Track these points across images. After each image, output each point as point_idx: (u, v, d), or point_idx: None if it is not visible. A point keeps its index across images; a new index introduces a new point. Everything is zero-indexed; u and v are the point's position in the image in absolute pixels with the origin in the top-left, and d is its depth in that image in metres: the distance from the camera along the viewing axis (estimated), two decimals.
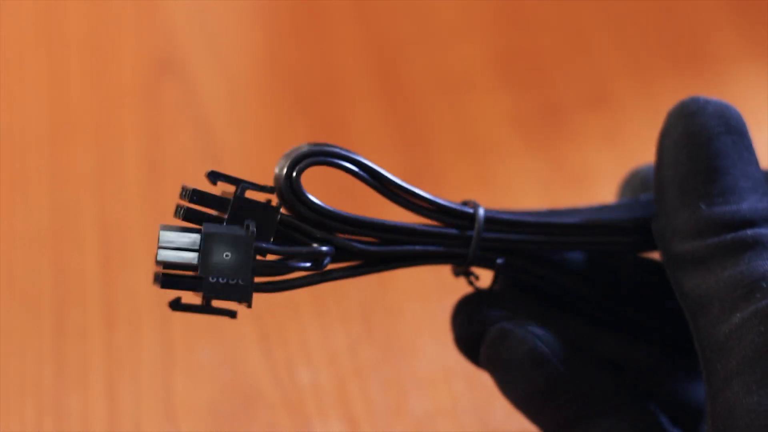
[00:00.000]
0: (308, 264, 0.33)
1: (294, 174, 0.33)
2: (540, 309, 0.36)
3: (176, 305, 0.34)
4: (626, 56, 0.54)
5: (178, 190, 0.50)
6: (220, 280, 0.33)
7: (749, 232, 0.32)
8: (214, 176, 0.33)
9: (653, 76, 0.53)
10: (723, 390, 0.31)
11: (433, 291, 0.46)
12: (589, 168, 0.50)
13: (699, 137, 0.34)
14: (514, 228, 0.34)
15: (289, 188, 0.33)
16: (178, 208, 0.33)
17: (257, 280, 0.33)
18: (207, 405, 0.43)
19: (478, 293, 0.36)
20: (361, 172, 0.34)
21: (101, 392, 0.44)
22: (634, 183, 0.39)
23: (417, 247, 0.34)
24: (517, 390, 0.34)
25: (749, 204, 0.33)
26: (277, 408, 0.43)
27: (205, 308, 0.34)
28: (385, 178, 0.34)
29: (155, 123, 0.52)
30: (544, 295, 0.36)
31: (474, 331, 0.35)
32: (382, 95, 0.53)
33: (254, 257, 0.32)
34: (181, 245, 0.33)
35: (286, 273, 0.33)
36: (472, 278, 0.35)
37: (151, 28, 0.56)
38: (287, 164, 0.33)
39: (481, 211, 0.34)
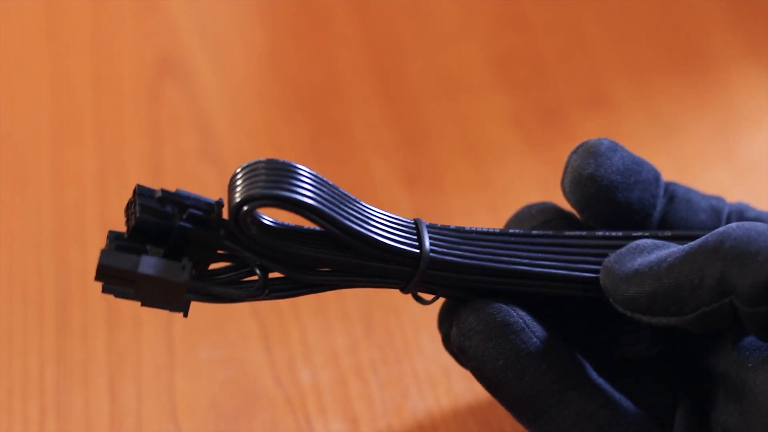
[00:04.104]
0: (239, 291, 0.34)
1: (240, 214, 0.33)
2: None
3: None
4: (625, 57, 0.54)
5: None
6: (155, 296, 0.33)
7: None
8: (163, 199, 0.33)
9: (652, 76, 0.53)
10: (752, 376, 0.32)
11: None
12: None
13: (623, 269, 0.34)
14: (459, 270, 0.35)
15: (235, 223, 0.33)
16: (129, 218, 0.33)
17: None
18: (208, 404, 0.43)
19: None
20: (316, 218, 0.33)
21: (103, 391, 0.44)
22: (524, 218, 0.39)
23: (359, 282, 0.35)
24: (490, 363, 0.34)
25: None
26: (277, 407, 0.43)
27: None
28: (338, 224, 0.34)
29: (156, 123, 0.52)
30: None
31: None
32: (383, 95, 0.53)
33: (185, 296, 0.33)
34: (120, 266, 0.33)
35: (220, 301, 0.34)
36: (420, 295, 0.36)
37: (152, 29, 0.56)
38: (237, 201, 0.33)
39: (427, 250, 0.35)
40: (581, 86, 0.53)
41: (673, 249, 0.34)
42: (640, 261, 0.34)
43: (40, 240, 0.48)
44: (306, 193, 0.33)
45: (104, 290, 0.34)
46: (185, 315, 0.34)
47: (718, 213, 0.38)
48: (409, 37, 0.55)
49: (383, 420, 0.42)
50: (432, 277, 0.35)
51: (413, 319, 0.45)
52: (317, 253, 0.34)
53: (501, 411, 0.43)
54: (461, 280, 0.35)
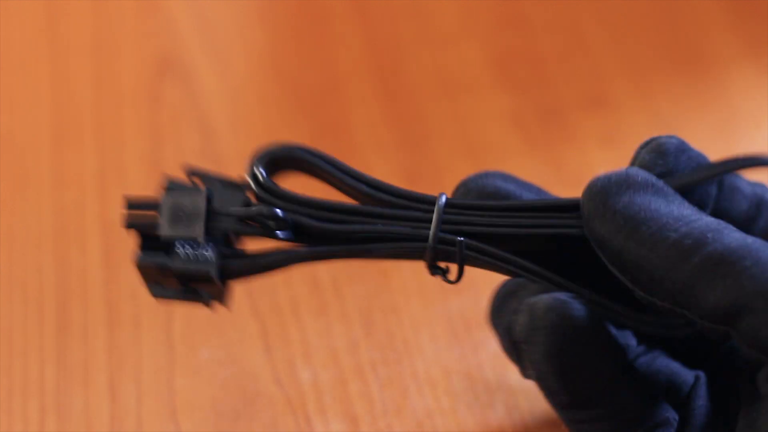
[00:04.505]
0: (261, 229, 0.35)
1: (259, 171, 0.35)
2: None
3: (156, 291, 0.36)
4: (625, 57, 0.54)
5: None
6: (188, 248, 0.34)
7: (734, 234, 0.33)
8: (190, 172, 0.36)
9: (652, 76, 0.53)
10: None
11: (433, 291, 0.46)
12: (589, 168, 0.50)
13: (620, 202, 0.34)
14: (474, 209, 0.35)
15: (255, 180, 0.35)
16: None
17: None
18: (208, 404, 0.43)
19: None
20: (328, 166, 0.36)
21: (103, 391, 0.44)
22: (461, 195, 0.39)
23: (379, 227, 0.35)
24: (557, 364, 0.34)
25: (709, 218, 0.34)
26: (277, 407, 0.43)
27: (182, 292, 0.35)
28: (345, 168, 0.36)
29: (156, 123, 0.52)
30: None
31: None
32: (383, 95, 0.53)
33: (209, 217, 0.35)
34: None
35: (242, 233, 0.35)
36: (446, 275, 0.36)
37: (152, 29, 0.56)
38: (253, 163, 0.35)
39: (443, 197, 0.35)
40: (581, 86, 0.53)
41: None
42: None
43: (40, 240, 0.48)
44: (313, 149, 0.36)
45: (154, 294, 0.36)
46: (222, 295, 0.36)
47: (759, 201, 0.37)
48: (409, 37, 0.55)
49: (383, 420, 0.43)
50: (451, 225, 0.35)
51: (413, 319, 0.45)
52: (334, 202, 0.35)
53: (501, 411, 0.43)
54: (479, 222, 0.35)
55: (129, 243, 0.48)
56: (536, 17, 0.55)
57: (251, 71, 0.55)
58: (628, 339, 0.38)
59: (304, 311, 0.46)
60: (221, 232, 0.35)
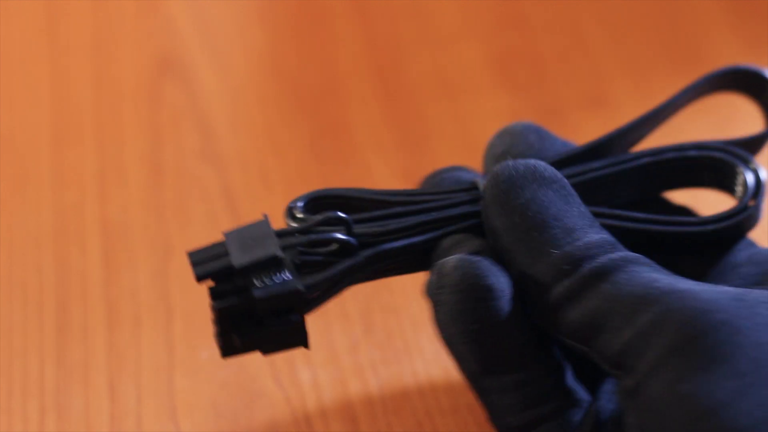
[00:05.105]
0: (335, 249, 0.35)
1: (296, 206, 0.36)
2: None
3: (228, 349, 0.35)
4: (625, 57, 0.54)
5: (179, 190, 0.50)
6: (265, 280, 0.34)
7: (611, 255, 0.34)
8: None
9: (652, 76, 0.53)
10: (647, 383, 0.32)
11: None
12: None
13: (522, 197, 0.35)
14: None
15: (292, 215, 0.36)
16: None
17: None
18: (208, 404, 0.43)
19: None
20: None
21: (103, 391, 0.44)
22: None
23: (433, 215, 0.36)
24: (465, 323, 0.34)
25: (596, 234, 0.35)
26: (277, 407, 0.43)
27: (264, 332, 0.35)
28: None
29: (156, 123, 0.52)
30: None
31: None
32: (383, 95, 0.53)
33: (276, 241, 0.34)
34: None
35: (318, 262, 0.35)
36: None
37: (152, 29, 0.56)
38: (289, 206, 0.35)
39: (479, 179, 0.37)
40: (581, 86, 0.53)
41: None
42: None
43: (40, 240, 0.48)
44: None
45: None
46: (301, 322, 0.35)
47: None
48: (409, 37, 0.55)
49: (383, 420, 0.43)
50: None
51: (413, 319, 0.45)
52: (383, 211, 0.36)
53: None
54: None
55: (129, 242, 0.48)
56: (536, 17, 0.55)
57: (251, 71, 0.55)
58: None
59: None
60: (292, 249, 0.34)
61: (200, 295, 0.46)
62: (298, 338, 0.35)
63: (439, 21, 0.55)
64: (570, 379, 0.35)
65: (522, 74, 0.53)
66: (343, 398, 0.43)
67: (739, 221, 0.37)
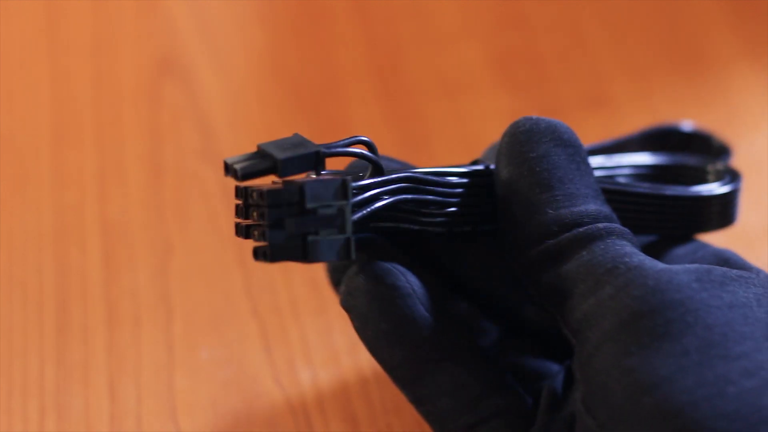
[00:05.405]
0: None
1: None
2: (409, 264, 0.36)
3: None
4: (625, 56, 0.54)
5: (179, 190, 0.50)
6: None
7: (599, 225, 0.34)
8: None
9: (651, 76, 0.53)
10: (596, 354, 0.32)
11: None
12: None
13: (536, 152, 0.35)
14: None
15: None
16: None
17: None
18: (208, 404, 0.43)
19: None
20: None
21: (103, 391, 0.44)
22: None
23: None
24: (373, 326, 0.35)
25: (594, 205, 0.35)
26: (277, 407, 0.43)
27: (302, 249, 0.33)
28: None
29: (156, 123, 0.52)
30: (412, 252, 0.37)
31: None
32: (382, 95, 0.53)
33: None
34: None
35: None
36: None
37: (152, 29, 0.56)
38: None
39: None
40: (581, 86, 0.53)
41: None
42: None
43: (40, 240, 0.48)
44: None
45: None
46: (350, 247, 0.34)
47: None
48: (409, 37, 0.55)
49: (383, 420, 0.43)
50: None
51: None
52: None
53: None
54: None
55: (129, 242, 0.48)
56: (536, 17, 0.55)
57: (251, 71, 0.55)
58: (487, 326, 0.38)
59: (304, 311, 0.46)
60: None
61: (200, 295, 0.46)
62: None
63: (439, 21, 0.55)
64: (510, 387, 0.35)
65: (522, 74, 0.53)
66: (343, 398, 0.43)
67: (736, 189, 0.39)
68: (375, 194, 0.34)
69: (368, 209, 0.34)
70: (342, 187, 0.33)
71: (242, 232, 0.34)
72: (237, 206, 0.34)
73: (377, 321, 0.34)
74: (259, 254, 0.33)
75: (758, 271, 0.35)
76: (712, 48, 0.54)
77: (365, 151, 0.35)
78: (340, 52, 0.55)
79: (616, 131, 0.51)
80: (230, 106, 0.53)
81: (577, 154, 0.36)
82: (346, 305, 0.35)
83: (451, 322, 0.35)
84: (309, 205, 0.33)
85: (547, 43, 0.54)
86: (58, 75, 0.54)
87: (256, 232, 0.33)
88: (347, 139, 0.35)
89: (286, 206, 0.33)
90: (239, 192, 0.34)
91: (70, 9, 0.57)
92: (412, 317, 0.34)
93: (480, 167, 0.37)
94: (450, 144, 0.51)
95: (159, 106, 0.53)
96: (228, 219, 0.49)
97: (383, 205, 0.34)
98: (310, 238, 0.33)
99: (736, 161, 0.49)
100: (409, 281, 0.35)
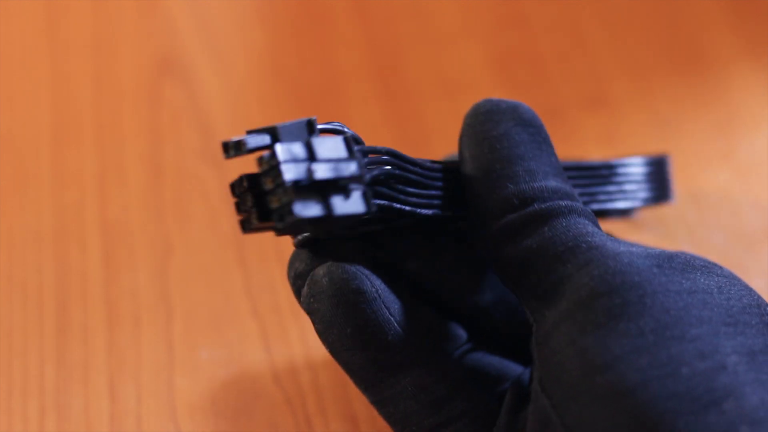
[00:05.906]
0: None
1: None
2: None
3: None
4: (624, 57, 0.54)
5: (179, 190, 0.50)
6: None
7: (561, 202, 0.34)
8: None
9: (651, 76, 0.53)
10: (552, 334, 0.32)
11: None
12: None
13: (497, 131, 0.36)
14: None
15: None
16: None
17: None
18: (208, 404, 0.43)
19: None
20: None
21: (103, 391, 0.44)
22: None
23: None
24: (337, 329, 0.34)
25: (555, 182, 0.35)
26: (277, 407, 0.43)
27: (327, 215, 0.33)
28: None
29: (156, 123, 0.52)
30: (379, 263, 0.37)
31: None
32: (382, 95, 0.53)
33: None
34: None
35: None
36: None
37: (152, 29, 0.56)
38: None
39: None
40: (581, 86, 0.53)
41: None
42: None
43: (40, 240, 0.48)
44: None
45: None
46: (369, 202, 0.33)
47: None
48: (409, 37, 0.55)
49: (383, 420, 0.43)
50: None
51: None
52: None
53: None
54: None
55: (129, 242, 0.48)
56: (536, 17, 0.55)
57: (251, 71, 0.55)
58: (453, 328, 0.38)
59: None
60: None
61: (200, 295, 0.46)
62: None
63: (439, 21, 0.55)
64: (474, 390, 0.35)
65: (522, 74, 0.53)
66: (343, 398, 0.43)
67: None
68: (368, 161, 0.34)
69: (372, 173, 0.34)
70: (347, 142, 0.33)
71: (249, 204, 0.33)
72: (235, 183, 0.33)
73: (342, 325, 0.34)
74: (276, 215, 0.32)
75: (723, 267, 0.35)
76: (712, 48, 0.54)
77: (345, 127, 0.35)
78: (340, 52, 0.55)
79: (616, 131, 0.51)
80: (230, 106, 0.53)
81: (538, 134, 0.36)
82: (309, 308, 0.35)
83: (416, 326, 0.35)
84: (321, 157, 0.32)
85: (547, 43, 0.54)
86: (58, 75, 0.54)
87: (273, 198, 0.32)
88: (325, 123, 0.35)
89: (301, 161, 0.32)
90: (237, 183, 0.34)
91: (70, 9, 0.57)
92: (376, 321, 0.34)
93: (452, 160, 0.37)
94: (450, 144, 0.51)
95: (159, 106, 0.53)
96: (228, 219, 0.49)
97: (380, 172, 0.34)
98: (330, 193, 0.32)
99: (737, 161, 0.50)
100: (374, 285, 0.34)
